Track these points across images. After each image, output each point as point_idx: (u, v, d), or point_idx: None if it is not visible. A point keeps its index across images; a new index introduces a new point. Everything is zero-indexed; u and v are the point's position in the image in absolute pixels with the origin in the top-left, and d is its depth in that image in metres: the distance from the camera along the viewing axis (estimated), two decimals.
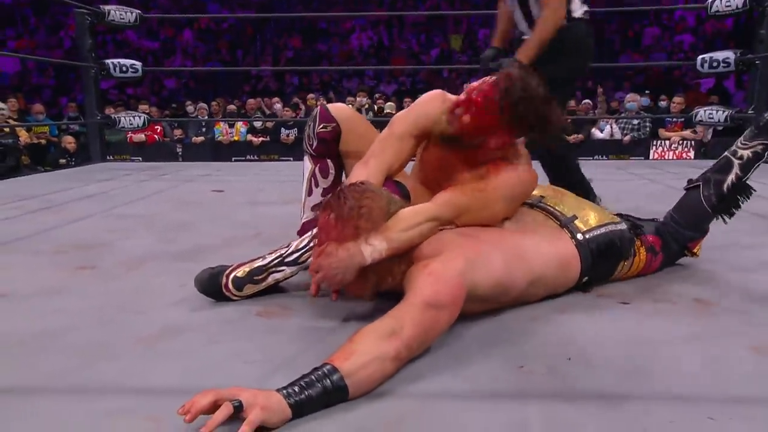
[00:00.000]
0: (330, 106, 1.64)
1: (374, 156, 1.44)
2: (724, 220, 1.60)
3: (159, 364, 1.10)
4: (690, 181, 1.65)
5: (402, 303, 1.10)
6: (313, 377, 0.91)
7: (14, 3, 13.76)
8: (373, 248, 1.19)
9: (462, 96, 1.34)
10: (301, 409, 0.88)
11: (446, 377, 1.04)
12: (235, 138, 7.79)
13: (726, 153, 1.61)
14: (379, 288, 1.26)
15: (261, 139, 7.60)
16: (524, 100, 1.26)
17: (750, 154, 1.55)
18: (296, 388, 0.89)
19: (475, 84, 1.34)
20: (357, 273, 1.20)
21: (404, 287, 1.18)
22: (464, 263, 1.16)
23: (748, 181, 1.58)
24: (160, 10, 12.98)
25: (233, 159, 7.12)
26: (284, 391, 0.88)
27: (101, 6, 4.43)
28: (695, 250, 1.64)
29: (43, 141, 7.10)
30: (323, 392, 0.90)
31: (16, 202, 2.98)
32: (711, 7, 4.32)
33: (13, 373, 1.06)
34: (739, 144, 1.58)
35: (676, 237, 1.61)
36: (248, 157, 7.44)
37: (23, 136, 6.58)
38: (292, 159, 6.97)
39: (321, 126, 1.61)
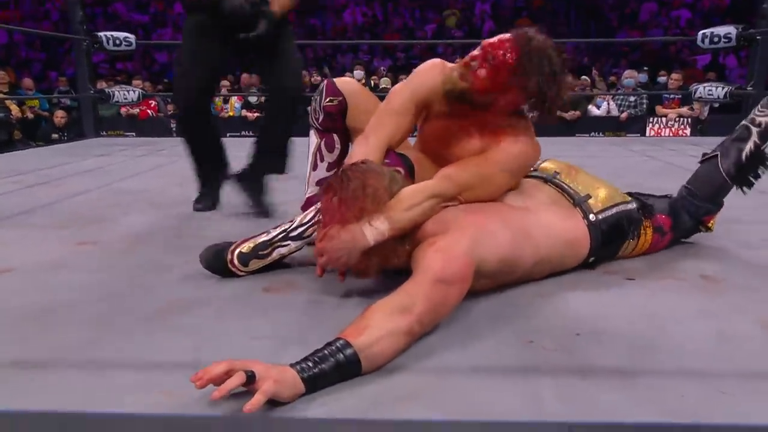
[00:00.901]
0: (337, 80, 1.62)
1: (373, 131, 1.43)
2: (743, 190, 1.58)
3: (169, 339, 1.09)
4: (705, 154, 1.63)
5: (411, 280, 1.10)
6: (326, 352, 0.91)
7: None
8: (376, 229, 1.19)
9: (478, 51, 1.33)
10: (314, 384, 0.89)
11: (457, 353, 1.04)
12: (230, 113, 7.70)
13: (744, 121, 1.58)
14: (384, 268, 1.26)
15: (256, 114, 7.52)
16: (541, 60, 1.27)
17: None
18: (310, 363, 0.89)
19: (492, 40, 1.32)
20: (361, 255, 1.20)
21: (412, 265, 1.18)
22: (470, 240, 1.16)
23: (767, 150, 1.56)
24: None
25: (228, 135, 7.05)
26: (298, 366, 0.89)
27: None
28: (710, 224, 1.63)
29: (31, 115, 6.98)
30: (336, 366, 0.90)
31: (13, 177, 2.95)
32: None
33: (24, 347, 1.06)
34: (756, 111, 1.56)
35: (692, 211, 1.60)
36: (243, 132, 7.36)
37: (14, 111, 6.47)
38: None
39: (327, 100, 1.59)
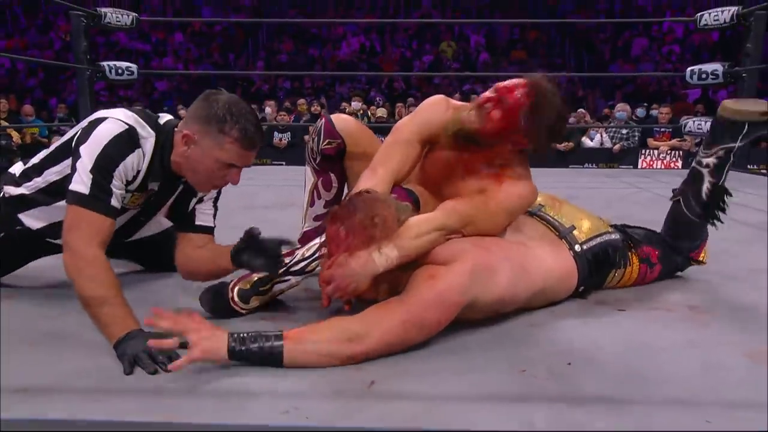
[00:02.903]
0: (335, 119, 1.62)
1: (381, 164, 1.45)
2: (714, 225, 1.63)
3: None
4: (674, 192, 1.68)
5: (385, 305, 1.16)
6: (263, 336, 1.08)
7: (5, 2, 13.67)
8: (385, 257, 1.21)
9: (490, 93, 1.36)
10: (236, 358, 1.07)
11: (451, 381, 1.07)
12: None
13: (693, 164, 1.65)
14: (388, 295, 1.28)
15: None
16: (551, 105, 1.32)
17: (715, 160, 1.57)
18: (244, 338, 1.08)
19: (505, 83, 1.35)
20: (369, 282, 1.22)
21: (406, 286, 1.22)
22: (469, 278, 1.20)
23: (725, 184, 1.60)
24: (151, 12, 12.96)
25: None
26: (234, 336, 1.08)
27: (98, 9, 4.43)
28: (701, 258, 1.68)
29: (28, 141, 7.03)
30: (260, 353, 1.07)
31: None
32: (700, 21, 4.42)
33: (31, 373, 1.08)
34: (701, 153, 1.61)
35: (676, 249, 1.65)
36: (265, 159, 7.37)
37: (15, 137, 6.52)
38: (284, 163, 6.98)
39: (326, 142, 1.59)
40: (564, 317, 1.40)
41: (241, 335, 1.08)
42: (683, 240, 1.65)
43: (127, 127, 1.33)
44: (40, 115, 8.30)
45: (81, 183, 1.28)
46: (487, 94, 1.36)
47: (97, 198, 1.28)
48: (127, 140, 1.33)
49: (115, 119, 1.34)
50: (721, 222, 1.62)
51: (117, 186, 1.31)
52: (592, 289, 1.53)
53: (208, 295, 1.40)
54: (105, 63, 4.49)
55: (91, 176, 1.28)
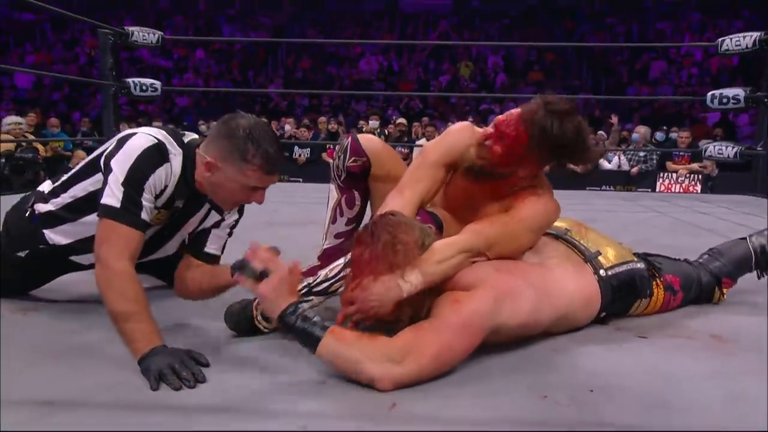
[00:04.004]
0: (361, 138, 1.65)
1: (408, 186, 1.46)
2: (760, 273, 1.70)
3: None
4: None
5: (418, 334, 1.16)
6: (313, 320, 1.16)
7: (35, 19, 14.07)
8: (409, 282, 1.21)
9: (490, 128, 1.37)
10: (282, 322, 1.16)
11: (472, 406, 1.07)
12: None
13: None
14: (410, 318, 1.28)
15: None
16: (552, 129, 1.29)
17: None
18: (300, 312, 1.16)
19: (502, 117, 1.36)
20: (392, 306, 1.22)
21: (431, 312, 1.22)
22: (494, 305, 1.20)
23: None
24: (174, 29, 13.23)
25: None
26: (293, 306, 1.16)
27: (125, 27, 4.53)
28: (724, 289, 1.69)
29: (49, 154, 7.16)
30: (305, 333, 1.15)
31: None
32: (721, 47, 4.41)
33: (53, 387, 1.10)
34: None
35: (713, 270, 1.67)
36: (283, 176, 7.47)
37: (41, 150, 6.66)
38: (302, 180, 7.03)
39: (351, 160, 1.62)
40: (585, 343, 1.39)
41: (298, 311, 1.16)
42: (726, 262, 1.67)
43: (156, 141, 1.36)
44: (64, 128, 8.46)
45: (113, 196, 1.30)
46: (488, 129, 1.37)
47: (129, 210, 1.30)
48: (158, 153, 1.35)
49: (145, 134, 1.37)
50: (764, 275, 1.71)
51: (147, 199, 1.33)
52: (613, 317, 1.52)
53: (233, 313, 1.41)
54: (130, 80, 4.58)
55: (123, 189, 1.30)
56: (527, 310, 1.27)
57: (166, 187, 1.38)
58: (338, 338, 1.14)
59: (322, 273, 1.44)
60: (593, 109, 10.55)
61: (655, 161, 6.98)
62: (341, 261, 1.44)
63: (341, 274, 1.41)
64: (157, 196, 1.37)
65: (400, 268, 1.21)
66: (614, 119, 7.67)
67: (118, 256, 1.27)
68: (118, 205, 1.30)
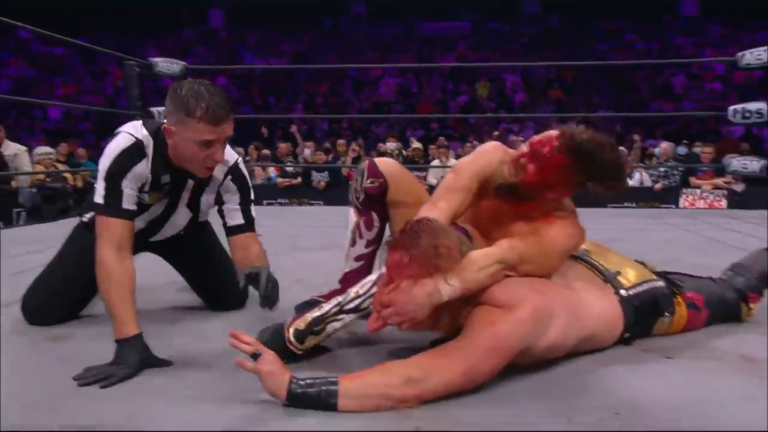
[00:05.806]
0: (378, 161, 1.69)
1: (443, 199, 1.46)
2: None
3: (208, 410, 1.15)
4: None
5: (446, 351, 1.15)
6: (318, 381, 1.11)
7: (65, 53, 14.56)
8: (450, 287, 1.21)
9: (525, 147, 1.38)
10: (294, 401, 1.10)
11: (497, 429, 1.06)
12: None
13: None
14: (447, 327, 1.27)
15: (287, 181, 7.72)
16: (589, 156, 1.30)
17: None
18: (302, 384, 1.11)
19: (539, 137, 1.37)
20: (429, 311, 1.21)
21: (464, 325, 1.22)
22: (530, 326, 1.20)
23: None
24: (197, 57, 13.54)
25: (264, 202, 7.27)
26: (295, 380, 1.11)
27: (150, 58, 4.67)
28: (751, 306, 1.65)
29: (79, 183, 7.34)
30: (317, 397, 1.10)
31: None
32: (741, 60, 4.37)
33: (70, 415, 1.12)
34: None
35: (736, 285, 1.64)
36: (279, 200, 7.58)
37: (69, 179, 6.84)
38: (322, 203, 7.09)
39: (369, 181, 1.65)
40: (610, 365, 1.37)
41: (306, 378, 1.12)
42: (751, 276, 1.64)
43: (134, 140, 1.50)
44: (92, 157, 8.69)
45: (98, 194, 1.47)
46: (523, 148, 1.38)
47: (109, 204, 1.46)
48: (134, 152, 1.49)
49: (125, 133, 1.51)
50: None
51: (128, 186, 1.47)
52: (637, 337, 1.50)
53: (266, 336, 1.39)
54: (155, 109, 4.69)
55: (104, 184, 1.47)
56: (557, 333, 1.26)
57: (148, 179, 1.53)
58: (351, 382, 1.12)
59: (353, 290, 1.41)
60: (614, 125, 10.48)
61: (678, 177, 6.89)
62: (373, 277, 1.43)
63: (372, 290, 1.38)
64: (140, 189, 1.52)
65: (441, 272, 1.21)
66: (636, 138, 7.60)
67: (106, 248, 1.42)
68: (102, 201, 1.47)
